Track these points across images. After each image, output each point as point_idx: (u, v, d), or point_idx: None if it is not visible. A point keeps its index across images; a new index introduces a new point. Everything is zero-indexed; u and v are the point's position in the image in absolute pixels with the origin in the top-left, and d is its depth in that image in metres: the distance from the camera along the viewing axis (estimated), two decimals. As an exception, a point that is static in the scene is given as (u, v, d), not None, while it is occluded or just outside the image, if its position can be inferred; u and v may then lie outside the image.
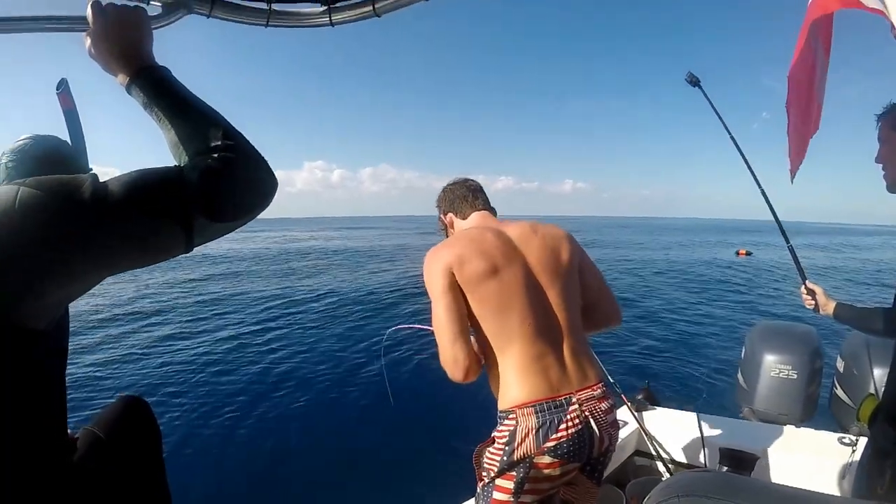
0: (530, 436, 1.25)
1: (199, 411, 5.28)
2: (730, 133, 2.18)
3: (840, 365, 2.71)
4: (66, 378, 0.83)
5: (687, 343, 8.20)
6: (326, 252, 25.80)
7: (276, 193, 0.77)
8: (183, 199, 0.67)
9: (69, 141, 1.02)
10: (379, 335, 7.33)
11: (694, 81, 2.17)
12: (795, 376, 2.60)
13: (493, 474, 1.30)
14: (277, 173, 0.77)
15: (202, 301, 11.47)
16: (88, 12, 0.78)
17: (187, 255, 0.73)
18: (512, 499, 1.29)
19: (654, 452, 2.46)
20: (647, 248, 30.22)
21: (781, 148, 1.93)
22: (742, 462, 2.19)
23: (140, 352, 7.47)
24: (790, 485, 0.56)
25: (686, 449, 2.48)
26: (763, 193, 2.16)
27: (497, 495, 1.30)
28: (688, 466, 2.43)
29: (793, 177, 1.88)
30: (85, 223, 0.63)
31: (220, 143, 0.71)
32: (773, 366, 2.65)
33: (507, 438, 1.27)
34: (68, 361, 0.84)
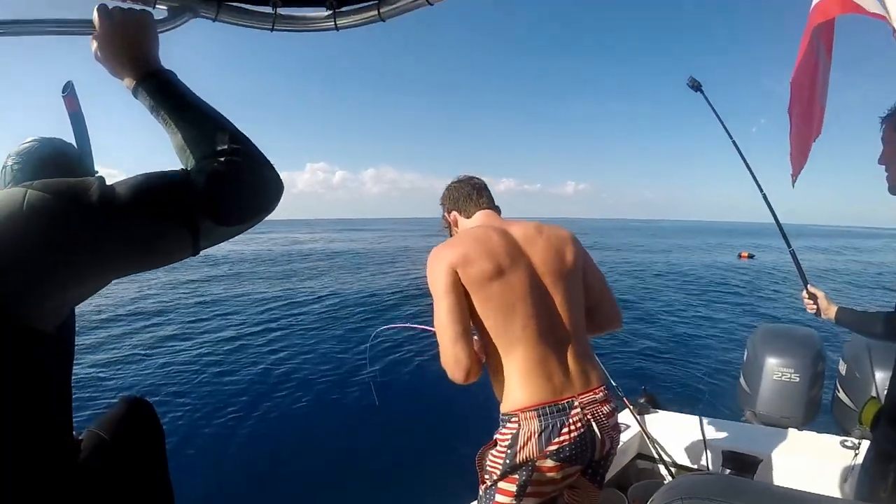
0: (533, 439, 1.25)
1: (201, 411, 5.29)
2: (731, 138, 2.18)
3: (842, 368, 2.70)
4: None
5: (689, 346, 8.20)
6: (328, 254, 25.81)
7: None
8: (189, 202, 0.68)
9: (75, 144, 1.02)
10: (380, 336, 7.35)
11: (696, 86, 2.18)
12: (798, 379, 2.59)
13: (495, 477, 1.30)
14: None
15: (204, 302, 11.49)
16: (95, 16, 0.78)
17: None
18: (514, 501, 1.29)
19: (656, 456, 2.46)
20: (648, 251, 30.20)
21: (782, 151, 1.93)
22: (744, 465, 2.19)
23: (142, 352, 7.47)
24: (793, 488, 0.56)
25: (688, 452, 2.47)
26: (765, 197, 2.16)
27: (499, 498, 1.30)
28: (690, 470, 2.43)
29: (794, 180, 1.89)
30: (92, 226, 0.63)
31: (226, 146, 0.71)
32: (776, 369, 2.64)
33: (510, 441, 1.27)
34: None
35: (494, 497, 1.31)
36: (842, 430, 2.60)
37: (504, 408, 1.33)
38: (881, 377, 2.42)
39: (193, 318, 9.81)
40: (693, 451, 2.46)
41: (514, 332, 1.31)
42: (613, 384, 2.36)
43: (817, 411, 2.65)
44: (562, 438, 1.25)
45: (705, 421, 2.53)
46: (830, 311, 1.88)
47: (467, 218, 1.58)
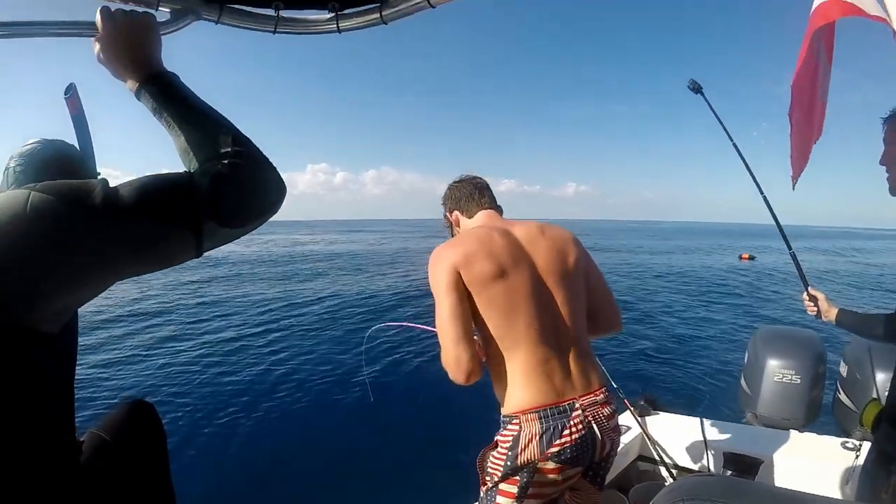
0: (534, 441, 1.25)
1: (202, 411, 5.30)
2: (732, 140, 2.19)
3: (843, 369, 2.70)
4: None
5: (689, 347, 8.19)
6: (329, 255, 25.84)
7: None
8: (193, 204, 0.68)
9: (77, 145, 1.02)
10: (380, 337, 7.35)
11: (696, 88, 2.18)
12: (798, 381, 2.59)
13: (496, 479, 1.30)
14: (279, 175, 0.78)
15: (204, 302, 11.50)
16: (97, 18, 0.78)
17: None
18: (515, 503, 1.29)
19: (657, 457, 2.45)
20: (649, 252, 30.20)
21: (782, 153, 1.93)
22: (746, 466, 2.18)
23: (142, 352, 7.48)
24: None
25: (689, 454, 2.47)
26: (765, 200, 2.16)
27: (500, 500, 1.30)
28: (691, 471, 2.43)
29: (794, 183, 1.89)
30: (95, 228, 0.64)
31: (229, 149, 0.72)
32: (777, 370, 2.64)
33: (511, 443, 1.27)
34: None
35: (496, 499, 1.31)
36: (843, 431, 2.60)
37: (505, 409, 1.33)
38: (882, 379, 2.42)
39: (194, 319, 9.82)
40: (694, 452, 2.46)
41: (516, 334, 1.31)
42: (614, 386, 2.36)
43: (818, 413, 2.64)
44: (563, 440, 1.25)
45: (706, 422, 2.52)
46: (831, 314, 1.88)
47: (469, 218, 1.57)
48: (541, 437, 1.25)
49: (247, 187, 0.72)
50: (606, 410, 1.34)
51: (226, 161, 0.71)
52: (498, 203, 1.61)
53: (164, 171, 0.75)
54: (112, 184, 0.68)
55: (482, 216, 1.55)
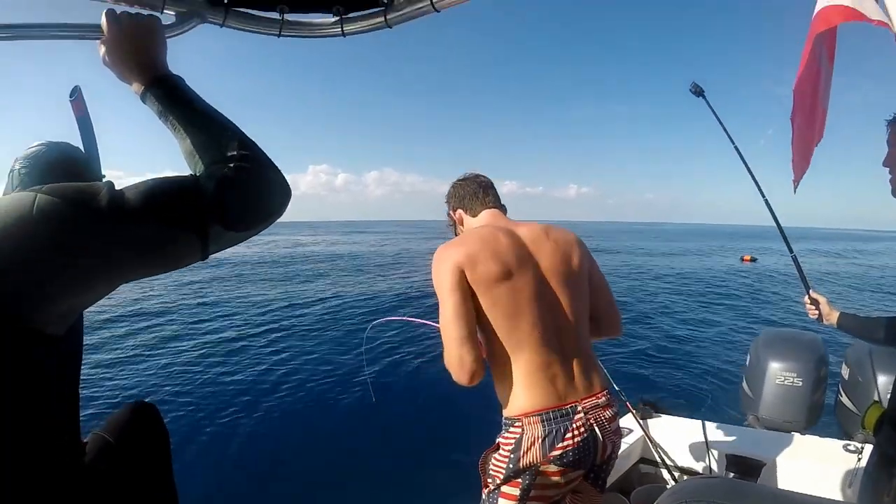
0: (536, 444, 1.25)
1: (203, 411, 5.30)
2: (734, 143, 2.19)
3: (845, 372, 2.70)
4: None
5: (691, 350, 8.17)
6: (330, 256, 25.85)
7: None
8: (199, 208, 0.68)
9: (82, 148, 1.03)
10: (381, 337, 7.36)
11: (698, 92, 2.18)
12: (800, 384, 2.59)
13: (498, 481, 1.30)
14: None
15: (206, 303, 11.51)
16: (103, 21, 0.79)
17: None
18: (517, 505, 1.29)
19: (658, 460, 2.45)
20: (650, 254, 30.16)
21: (784, 155, 1.94)
22: (748, 469, 2.18)
23: (144, 352, 7.49)
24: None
25: (691, 456, 2.47)
26: (767, 203, 2.17)
27: (502, 502, 1.30)
28: (693, 473, 2.43)
29: (796, 186, 1.89)
30: (101, 231, 0.64)
31: (235, 152, 0.72)
32: (778, 373, 2.64)
33: (513, 446, 1.27)
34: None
35: (497, 501, 1.31)
36: (844, 434, 2.60)
37: (507, 412, 1.33)
38: (884, 381, 2.42)
39: (195, 319, 9.83)
40: (696, 455, 2.45)
41: (519, 335, 1.31)
42: (616, 388, 2.36)
43: (820, 415, 2.64)
44: (565, 443, 1.25)
45: (708, 425, 2.52)
46: (832, 317, 1.88)
47: (473, 217, 1.56)
48: (543, 441, 1.25)
49: (252, 191, 0.72)
50: (608, 413, 1.34)
51: (231, 164, 0.71)
52: (502, 202, 1.60)
53: (168, 173, 0.76)
54: (117, 186, 0.68)
55: (486, 215, 1.53)
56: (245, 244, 0.80)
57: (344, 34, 0.94)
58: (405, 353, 7.03)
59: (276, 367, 6.77)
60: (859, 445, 2.26)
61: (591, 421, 1.30)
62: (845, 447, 2.30)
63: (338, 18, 0.93)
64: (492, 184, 1.61)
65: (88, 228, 0.63)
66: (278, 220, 0.79)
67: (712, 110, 2.18)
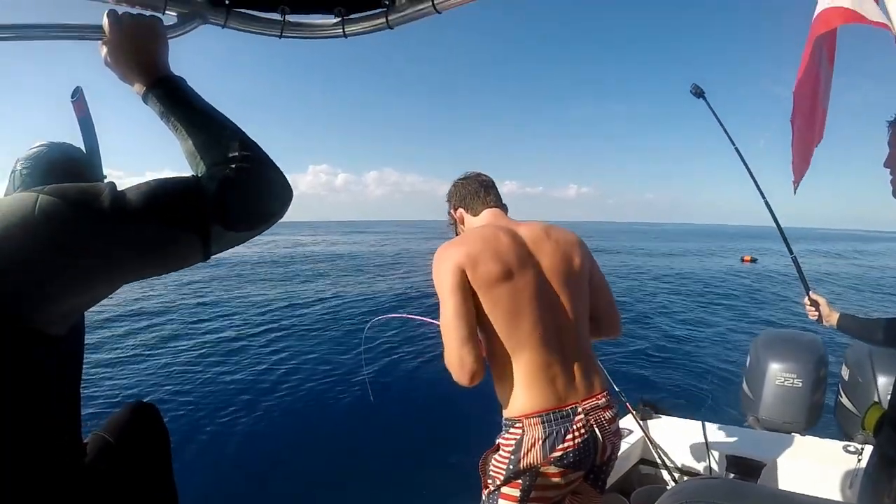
0: (537, 446, 1.25)
1: (203, 411, 5.31)
2: (734, 144, 2.19)
3: (845, 373, 2.70)
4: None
5: (691, 350, 8.17)
6: (330, 256, 25.85)
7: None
8: (201, 208, 0.68)
9: (83, 148, 1.03)
10: (381, 337, 7.36)
11: (698, 93, 2.18)
12: (800, 384, 2.59)
13: (498, 482, 1.30)
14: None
15: (205, 302, 11.51)
16: (104, 21, 0.79)
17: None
18: (517, 506, 1.29)
19: (659, 461, 2.46)
20: (650, 254, 30.16)
21: (785, 156, 1.94)
22: (748, 469, 2.18)
23: (143, 352, 7.49)
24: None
25: (691, 457, 2.47)
26: (767, 204, 2.17)
27: (502, 503, 1.30)
28: (693, 474, 2.43)
29: (796, 187, 1.90)
30: (103, 231, 0.64)
31: (236, 153, 0.72)
32: (778, 374, 2.64)
33: (514, 447, 1.27)
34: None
35: (497, 502, 1.31)
36: (844, 435, 2.59)
37: (508, 412, 1.33)
38: (884, 382, 2.42)
39: (195, 319, 9.83)
40: (696, 455, 2.46)
41: (520, 336, 1.30)
42: (616, 389, 2.36)
43: (820, 416, 2.64)
44: (566, 445, 1.25)
45: (708, 426, 2.52)
46: (832, 318, 1.89)
47: (474, 216, 1.55)
48: (544, 442, 1.25)
49: (253, 192, 0.72)
50: (608, 414, 1.34)
51: (233, 165, 0.71)
52: (503, 202, 1.59)
53: (168, 173, 0.76)
54: (117, 186, 0.68)
55: (487, 215, 1.53)
56: (245, 244, 0.79)
57: (346, 35, 0.94)
58: (405, 352, 7.03)
59: (276, 366, 6.78)
60: (859, 446, 2.26)
61: (591, 422, 1.29)
62: (845, 448, 2.30)
63: (339, 19, 0.93)
64: (493, 183, 1.60)
65: (90, 229, 0.63)
66: (278, 221, 0.79)
67: (713, 111, 2.18)
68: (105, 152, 1.03)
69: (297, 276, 16.92)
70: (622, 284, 15.30)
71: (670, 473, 2.43)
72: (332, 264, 21.35)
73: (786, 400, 2.61)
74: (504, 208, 1.57)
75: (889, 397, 1.37)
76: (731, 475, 2.32)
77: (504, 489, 1.29)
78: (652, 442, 2.48)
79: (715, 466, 2.38)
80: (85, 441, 0.99)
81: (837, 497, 2.12)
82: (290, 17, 0.92)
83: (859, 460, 2.16)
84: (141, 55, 0.79)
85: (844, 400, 2.65)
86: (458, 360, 1.26)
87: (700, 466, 2.42)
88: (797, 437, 2.49)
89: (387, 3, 0.90)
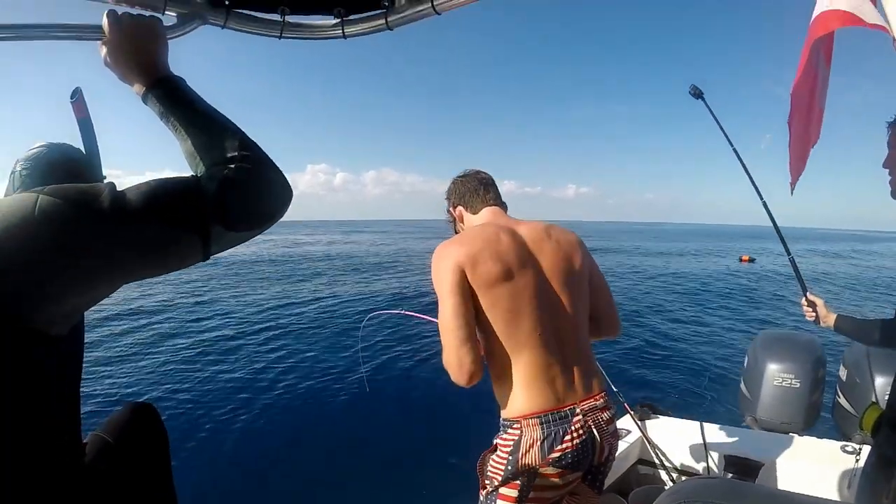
0: (535, 447, 1.25)
1: (201, 409, 5.30)
2: (732, 145, 2.20)
3: (842, 373, 2.71)
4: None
5: (689, 351, 8.18)
6: (328, 255, 25.85)
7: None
8: (201, 208, 0.68)
9: (83, 149, 1.03)
10: (378, 336, 7.36)
11: (697, 94, 2.19)
12: (798, 385, 2.60)
13: (496, 483, 1.30)
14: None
15: (203, 301, 11.51)
16: (104, 21, 0.79)
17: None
18: (515, 507, 1.29)
19: (657, 461, 2.46)
20: (649, 254, 30.19)
21: (782, 157, 1.95)
22: (746, 469, 2.19)
23: (141, 350, 7.49)
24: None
25: (689, 457, 2.47)
26: (765, 205, 2.17)
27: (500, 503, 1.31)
28: (691, 474, 2.43)
29: (793, 189, 1.90)
30: (103, 232, 0.64)
31: (236, 153, 0.72)
32: (776, 375, 2.64)
33: (512, 448, 1.27)
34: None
35: (496, 502, 1.31)
36: (842, 435, 2.60)
37: (506, 413, 1.33)
38: (881, 383, 2.42)
39: (193, 317, 9.83)
40: (694, 456, 2.46)
41: (519, 337, 1.30)
42: (614, 390, 2.36)
43: (818, 417, 2.65)
44: (564, 446, 1.25)
45: (706, 426, 2.53)
46: (829, 319, 1.89)
47: (473, 214, 1.54)
48: (542, 443, 1.25)
49: (253, 192, 0.72)
50: (606, 415, 1.34)
51: (232, 165, 0.71)
52: (503, 200, 1.58)
53: (167, 172, 0.76)
54: (117, 186, 0.68)
55: (487, 213, 1.52)
56: (243, 244, 0.80)
57: (345, 36, 0.94)
58: (402, 351, 7.03)
59: (274, 365, 6.78)
60: (857, 446, 2.27)
61: (589, 423, 1.29)
62: (843, 448, 2.31)
63: (339, 20, 0.93)
64: (492, 181, 1.59)
65: (90, 229, 0.63)
66: (279, 220, 0.79)
67: (711, 112, 2.18)
68: (105, 152, 1.03)
69: (294, 274, 16.92)
70: (621, 284, 15.32)
71: (668, 473, 2.43)
72: (330, 263, 21.36)
73: (784, 400, 2.61)
74: (504, 206, 1.56)
75: (887, 397, 1.38)
76: (730, 475, 2.33)
77: (502, 490, 1.29)
78: (650, 442, 2.49)
79: (713, 466, 2.38)
80: (84, 441, 1.00)
81: (835, 497, 2.13)
82: (290, 18, 0.92)
83: (857, 460, 2.17)
84: (140, 55, 0.79)
85: (842, 400, 2.65)
86: (456, 361, 1.26)
87: (698, 466, 2.42)
88: (795, 437, 2.50)
89: (386, 4, 0.90)
